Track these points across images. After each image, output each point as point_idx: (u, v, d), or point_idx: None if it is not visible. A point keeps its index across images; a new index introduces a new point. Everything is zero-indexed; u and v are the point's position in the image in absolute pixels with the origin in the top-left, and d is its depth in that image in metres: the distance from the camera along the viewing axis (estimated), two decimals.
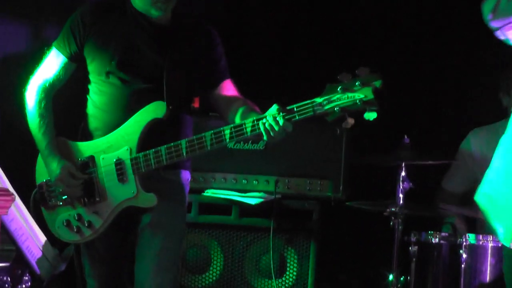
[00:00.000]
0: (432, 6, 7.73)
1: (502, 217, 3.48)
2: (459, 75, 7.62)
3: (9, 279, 3.51)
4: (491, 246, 4.98)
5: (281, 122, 4.06)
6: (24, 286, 3.40)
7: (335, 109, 4.00)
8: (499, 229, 3.49)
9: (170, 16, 4.53)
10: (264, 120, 4.11)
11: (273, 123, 4.07)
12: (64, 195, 4.42)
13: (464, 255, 5.00)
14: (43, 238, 3.53)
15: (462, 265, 5.02)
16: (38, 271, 3.60)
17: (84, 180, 4.41)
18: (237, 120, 4.29)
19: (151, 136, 4.36)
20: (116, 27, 4.54)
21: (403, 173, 5.22)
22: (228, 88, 4.63)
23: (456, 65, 7.45)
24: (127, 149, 4.37)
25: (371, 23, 7.73)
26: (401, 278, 5.23)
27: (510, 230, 3.45)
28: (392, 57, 6.54)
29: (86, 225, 4.39)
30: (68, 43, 4.55)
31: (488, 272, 5.01)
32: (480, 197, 3.57)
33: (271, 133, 4.08)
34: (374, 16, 7.77)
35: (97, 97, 4.56)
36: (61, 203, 4.43)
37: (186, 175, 4.64)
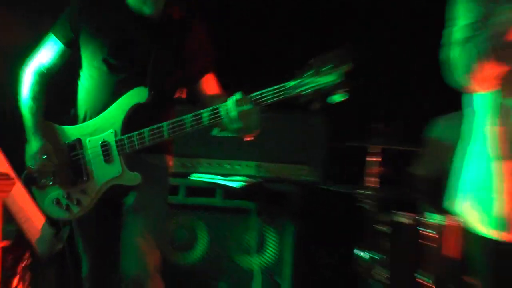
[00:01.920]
0: None
1: (477, 209, 3.62)
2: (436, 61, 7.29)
3: (11, 257, 3.62)
4: (454, 226, 5.03)
5: (247, 105, 4.22)
6: (24, 263, 3.55)
7: (307, 91, 4.15)
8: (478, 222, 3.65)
9: (161, 11, 4.62)
10: (234, 104, 4.25)
11: (241, 106, 4.22)
12: (50, 175, 4.57)
13: (431, 234, 5.09)
14: (41, 220, 3.71)
15: (429, 243, 5.08)
16: (37, 250, 3.62)
17: (70, 161, 4.57)
18: None
19: (135, 119, 4.44)
20: (111, 19, 4.66)
21: (376, 158, 5.42)
22: (210, 82, 4.75)
23: (433, 51, 7.23)
24: (112, 132, 4.46)
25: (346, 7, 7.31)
26: (374, 255, 5.30)
27: (486, 221, 3.58)
28: (369, 43, 6.26)
29: (75, 203, 4.52)
30: (64, 31, 4.68)
31: (451, 251, 5.05)
32: (450, 202, 3.75)
33: (241, 117, 4.20)
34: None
35: (87, 82, 4.69)
36: (50, 183, 4.54)
37: (169, 160, 4.79)
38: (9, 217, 3.44)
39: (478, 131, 3.63)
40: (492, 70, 3.38)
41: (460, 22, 3.57)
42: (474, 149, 3.67)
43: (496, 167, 3.48)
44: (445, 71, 3.57)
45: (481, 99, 3.59)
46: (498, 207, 3.51)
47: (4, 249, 3.16)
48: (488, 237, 3.51)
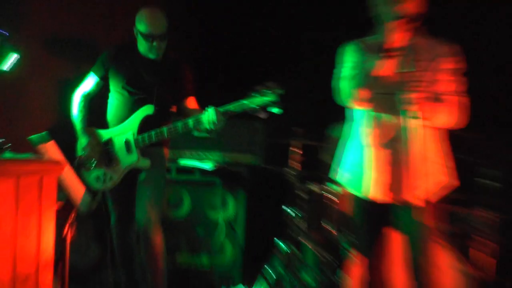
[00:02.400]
0: None
1: (354, 180, 3.79)
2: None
3: (62, 213, 3.59)
4: (344, 192, 4.86)
5: (219, 116, 4.38)
6: (72, 217, 3.55)
7: (255, 106, 4.34)
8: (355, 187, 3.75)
9: (161, 56, 4.75)
10: (211, 115, 4.38)
11: (214, 116, 4.37)
12: (94, 161, 4.72)
13: (331, 197, 5.15)
14: (82, 190, 3.72)
15: (330, 203, 5.14)
16: (79, 209, 3.59)
17: (105, 152, 4.73)
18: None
19: (145, 125, 4.64)
20: (128, 62, 4.78)
21: (298, 150, 5.42)
22: (191, 102, 4.85)
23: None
24: (131, 133, 4.63)
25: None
26: (296, 211, 5.34)
27: (359, 187, 3.75)
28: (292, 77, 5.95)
29: (108, 179, 4.70)
30: (99, 70, 4.82)
31: (343, 207, 4.99)
32: (339, 176, 3.87)
33: (213, 124, 4.38)
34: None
35: (114, 102, 4.85)
36: (93, 166, 4.70)
37: (166, 151, 4.90)
38: (61, 187, 3.43)
39: (355, 130, 3.80)
40: (364, 95, 3.57)
41: (347, 65, 3.71)
42: (353, 141, 3.84)
43: (366, 153, 3.68)
44: (336, 95, 3.75)
45: (358, 112, 3.78)
46: (366, 178, 3.71)
47: (59, 208, 3.21)
48: (360, 197, 3.75)
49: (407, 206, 3.58)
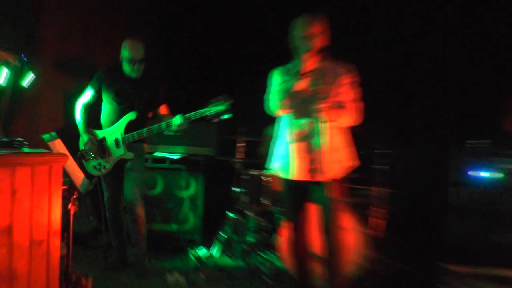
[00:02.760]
0: None
1: (282, 166, 3.86)
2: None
3: (67, 193, 3.53)
4: (276, 175, 4.76)
5: (185, 120, 4.41)
6: (74, 196, 3.51)
7: (211, 113, 4.34)
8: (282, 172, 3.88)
9: (140, 75, 4.71)
10: (178, 120, 4.41)
11: (181, 121, 4.41)
12: (92, 154, 4.66)
13: (267, 179, 5.03)
14: (81, 175, 3.68)
15: (266, 184, 5.03)
16: (79, 189, 3.61)
17: (101, 147, 4.66)
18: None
19: (130, 127, 4.62)
20: (116, 80, 4.74)
21: (242, 144, 5.35)
22: (163, 109, 4.81)
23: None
24: (120, 133, 4.61)
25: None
26: (242, 190, 5.24)
27: (287, 172, 3.83)
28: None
29: (103, 167, 4.68)
30: (95, 85, 4.76)
31: (276, 187, 4.89)
32: (272, 164, 3.98)
33: (180, 126, 4.41)
34: None
35: (106, 109, 4.80)
36: (91, 158, 4.65)
37: (145, 146, 4.87)
38: (66, 174, 3.39)
39: (282, 130, 3.90)
40: (286, 105, 3.74)
41: (274, 84, 3.86)
42: (280, 138, 3.94)
43: (289, 146, 3.81)
44: (266, 106, 3.87)
45: (283, 117, 3.89)
46: (291, 165, 3.83)
47: (64, 189, 3.18)
48: (287, 179, 3.88)
49: (320, 184, 3.70)
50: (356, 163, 3.87)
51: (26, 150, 3.05)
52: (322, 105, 3.63)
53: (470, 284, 4.46)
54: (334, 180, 3.70)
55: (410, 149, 5.43)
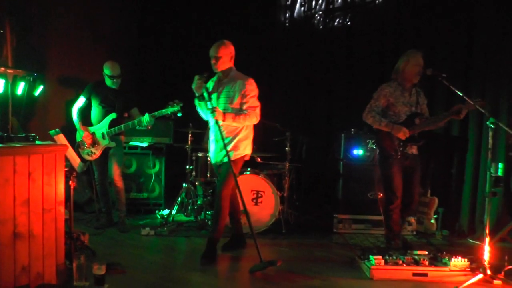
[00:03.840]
0: None
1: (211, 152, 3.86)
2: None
3: (67, 173, 3.47)
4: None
5: (151, 118, 4.31)
6: (73, 175, 3.44)
7: (169, 112, 4.26)
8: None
9: (119, 86, 4.55)
10: (146, 118, 4.31)
11: (148, 118, 4.30)
12: (85, 144, 4.50)
13: (208, 160, 5.07)
14: (78, 160, 3.60)
15: (208, 163, 5.08)
16: (76, 170, 3.51)
17: (92, 139, 4.49)
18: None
19: (112, 124, 4.47)
20: (101, 90, 4.58)
21: (190, 135, 5.26)
22: (135, 110, 4.61)
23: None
24: (105, 129, 4.45)
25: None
26: (192, 168, 5.09)
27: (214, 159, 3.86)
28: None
29: (93, 153, 4.52)
30: (86, 95, 4.57)
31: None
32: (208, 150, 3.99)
33: (148, 123, 4.31)
34: None
35: (95, 112, 4.61)
36: (85, 147, 4.50)
37: (123, 137, 4.70)
38: (67, 159, 3.32)
39: (210, 128, 3.89)
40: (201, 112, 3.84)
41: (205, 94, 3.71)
42: (209, 133, 3.92)
43: (210, 140, 3.90)
44: (199, 112, 3.90)
45: (210, 119, 3.78)
46: (211, 152, 3.91)
47: (66, 170, 3.08)
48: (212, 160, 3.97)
49: (224, 163, 3.72)
50: (249, 152, 3.84)
51: (38, 142, 2.96)
52: (226, 114, 3.61)
53: (349, 227, 4.65)
54: (234, 161, 3.68)
55: (313, 135, 5.42)
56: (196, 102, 3.78)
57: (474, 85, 4.56)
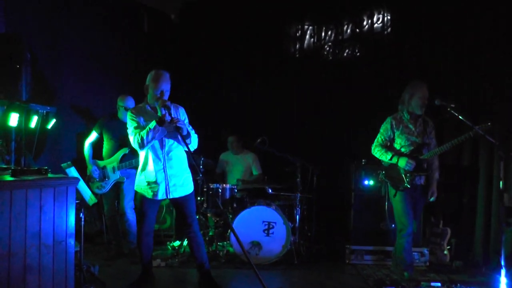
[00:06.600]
0: None
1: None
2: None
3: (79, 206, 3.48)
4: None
5: None
6: (83, 209, 3.48)
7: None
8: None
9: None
10: None
11: None
12: (96, 177, 4.52)
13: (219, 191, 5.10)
14: (89, 192, 3.64)
15: (219, 194, 5.06)
16: (88, 203, 3.47)
17: (102, 173, 4.51)
18: None
19: (124, 159, 4.50)
20: (112, 124, 4.61)
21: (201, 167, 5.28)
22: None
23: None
24: (116, 163, 4.48)
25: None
26: (203, 198, 5.10)
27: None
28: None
29: (103, 187, 4.53)
30: (98, 130, 4.64)
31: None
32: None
33: None
34: None
35: (106, 146, 4.65)
36: (96, 180, 4.52)
37: (134, 171, 4.50)
38: (78, 192, 3.36)
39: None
40: None
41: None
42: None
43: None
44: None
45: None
46: None
47: (77, 203, 3.12)
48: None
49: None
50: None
51: (50, 175, 2.98)
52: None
53: (361, 257, 4.58)
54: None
55: (323, 165, 5.38)
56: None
57: (483, 112, 4.50)
